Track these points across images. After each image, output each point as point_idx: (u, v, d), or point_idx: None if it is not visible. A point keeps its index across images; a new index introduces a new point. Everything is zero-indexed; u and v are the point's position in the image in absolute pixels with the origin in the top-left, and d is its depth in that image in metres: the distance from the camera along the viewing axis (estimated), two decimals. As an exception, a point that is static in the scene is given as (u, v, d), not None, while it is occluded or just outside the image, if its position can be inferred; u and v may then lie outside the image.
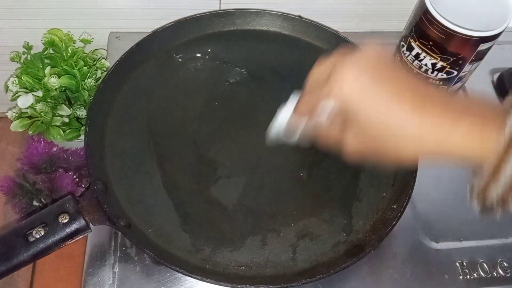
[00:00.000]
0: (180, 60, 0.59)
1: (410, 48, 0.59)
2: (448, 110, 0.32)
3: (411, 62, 0.60)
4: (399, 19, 0.66)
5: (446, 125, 0.31)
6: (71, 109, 0.62)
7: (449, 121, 0.31)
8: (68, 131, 0.62)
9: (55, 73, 0.60)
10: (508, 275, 0.51)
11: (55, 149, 0.60)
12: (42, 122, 0.60)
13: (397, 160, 0.34)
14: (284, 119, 0.43)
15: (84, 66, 0.61)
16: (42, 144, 0.59)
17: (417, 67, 0.59)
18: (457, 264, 0.52)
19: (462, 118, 0.31)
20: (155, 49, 0.59)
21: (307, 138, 0.42)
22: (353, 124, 0.35)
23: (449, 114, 0.31)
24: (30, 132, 0.60)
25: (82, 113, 0.62)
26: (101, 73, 0.63)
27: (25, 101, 0.58)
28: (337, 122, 0.36)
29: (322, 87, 0.36)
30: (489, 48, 0.55)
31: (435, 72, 0.58)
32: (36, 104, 0.59)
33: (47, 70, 0.59)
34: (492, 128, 0.30)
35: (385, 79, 0.33)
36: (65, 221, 0.42)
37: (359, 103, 0.33)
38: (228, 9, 0.62)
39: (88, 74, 0.61)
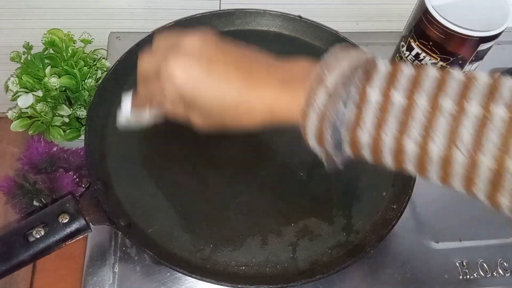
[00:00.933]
0: (180, 60, 0.59)
1: (410, 48, 0.59)
2: (272, 79, 0.35)
3: (411, 62, 0.60)
4: (399, 19, 0.66)
5: (270, 92, 0.35)
6: (71, 109, 0.62)
7: (271, 88, 0.35)
8: (68, 131, 0.62)
9: (55, 73, 0.60)
10: (508, 275, 0.51)
11: (55, 149, 0.60)
12: (42, 122, 0.60)
13: (242, 128, 0.38)
14: (128, 108, 0.45)
15: (84, 66, 0.61)
16: (42, 144, 0.59)
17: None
18: (457, 264, 0.52)
19: (279, 86, 0.35)
20: (155, 49, 0.58)
21: (157, 118, 0.44)
22: (194, 107, 0.37)
23: (272, 82, 0.35)
24: (30, 132, 0.60)
25: (82, 113, 0.62)
26: (101, 73, 0.63)
27: (25, 101, 0.58)
28: (179, 106, 0.38)
29: (154, 81, 0.38)
30: (489, 48, 0.55)
31: (435, 72, 0.58)
32: (36, 104, 0.59)
33: (47, 70, 0.59)
34: (299, 91, 0.33)
35: (211, 62, 0.36)
36: (65, 221, 0.42)
37: (192, 91, 0.36)
38: (228, 9, 0.62)
39: (88, 74, 0.61)
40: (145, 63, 0.40)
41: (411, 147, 0.30)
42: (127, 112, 0.45)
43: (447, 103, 0.29)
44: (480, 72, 0.30)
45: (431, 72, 0.31)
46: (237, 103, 0.36)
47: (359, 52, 0.34)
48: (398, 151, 0.31)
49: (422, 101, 0.29)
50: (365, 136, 0.31)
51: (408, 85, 0.30)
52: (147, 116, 0.44)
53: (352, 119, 0.31)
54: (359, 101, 0.31)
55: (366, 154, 0.33)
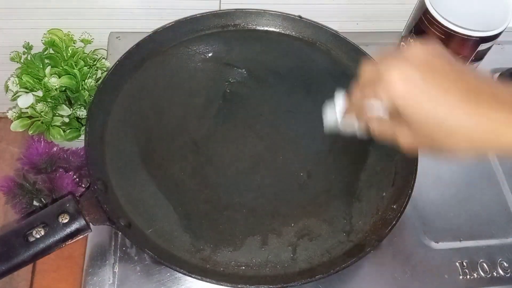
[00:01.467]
0: (180, 60, 0.59)
1: (410, 48, 0.59)
2: (500, 102, 0.31)
3: (411, 62, 0.60)
4: (399, 19, 0.66)
5: (498, 118, 0.31)
6: (71, 109, 0.62)
7: (501, 113, 0.31)
8: (68, 131, 0.62)
9: (55, 73, 0.60)
10: (508, 275, 0.51)
11: (55, 149, 0.60)
12: (42, 122, 0.60)
13: (451, 154, 0.34)
14: (339, 113, 0.44)
15: (85, 66, 0.61)
16: (42, 144, 0.59)
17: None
18: (457, 264, 0.52)
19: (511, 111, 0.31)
20: (155, 49, 0.59)
21: (363, 131, 0.42)
22: (406, 120, 0.35)
23: (501, 106, 0.31)
24: (30, 132, 0.60)
25: (82, 113, 0.62)
26: (101, 73, 0.63)
27: (25, 101, 0.58)
28: (389, 118, 0.37)
29: (372, 87, 0.36)
30: (489, 48, 0.55)
31: (435, 72, 0.58)
32: (36, 104, 0.59)
33: (47, 70, 0.59)
34: None
35: (433, 75, 0.33)
36: (65, 221, 0.42)
37: (409, 101, 0.33)
38: (228, 9, 0.62)
39: (88, 74, 0.61)
40: (368, 68, 0.38)
41: None
42: (338, 113, 0.44)
43: None
44: None
45: None
46: (458, 124, 0.32)
47: None
48: None
49: None
50: None
51: None
52: (356, 125, 0.42)
53: None
54: None
55: None
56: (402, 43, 0.61)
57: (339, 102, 0.44)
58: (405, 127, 0.36)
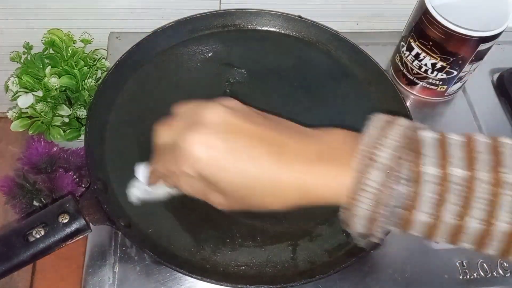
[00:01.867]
0: (180, 60, 0.59)
1: (410, 48, 0.59)
2: (304, 153, 0.32)
3: (411, 62, 0.60)
4: (399, 19, 0.66)
5: (302, 170, 0.31)
6: (71, 109, 0.62)
7: (304, 166, 0.31)
8: (68, 131, 0.62)
9: (55, 73, 0.60)
10: (508, 275, 0.51)
11: (55, 149, 0.60)
12: (42, 122, 0.60)
13: (269, 209, 0.33)
14: (142, 181, 0.44)
15: (84, 66, 0.61)
16: (42, 144, 0.59)
17: (417, 67, 0.59)
18: (457, 264, 0.52)
19: (316, 163, 0.31)
20: (155, 49, 0.58)
21: (172, 193, 0.43)
22: (215, 187, 0.34)
23: (303, 159, 0.31)
24: (30, 132, 0.60)
25: (82, 113, 0.62)
26: (101, 73, 0.63)
27: (25, 101, 0.58)
28: (198, 185, 0.35)
29: (171, 157, 0.34)
30: (489, 48, 0.55)
31: (435, 72, 0.58)
32: (36, 104, 0.59)
33: (47, 70, 0.59)
34: (341, 169, 0.30)
35: (236, 137, 0.32)
36: (65, 221, 0.42)
37: (214, 172, 0.32)
38: (228, 9, 0.62)
39: (88, 74, 0.61)
40: (162, 136, 0.36)
41: (474, 225, 0.28)
42: (141, 186, 0.44)
43: (509, 177, 0.27)
44: None
45: (482, 140, 0.29)
46: (266, 184, 0.32)
47: (399, 120, 0.31)
48: (458, 230, 0.29)
49: (482, 176, 0.27)
50: (421, 216, 0.28)
51: (463, 157, 0.28)
52: (162, 190, 0.42)
53: (408, 199, 0.28)
54: (413, 179, 0.28)
55: (417, 231, 0.30)
56: (402, 43, 0.61)
57: (141, 173, 0.43)
58: (215, 193, 0.34)
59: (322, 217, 0.50)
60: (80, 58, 0.62)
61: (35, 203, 0.58)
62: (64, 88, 0.61)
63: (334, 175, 0.30)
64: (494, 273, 0.51)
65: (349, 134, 0.33)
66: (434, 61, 0.57)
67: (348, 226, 0.32)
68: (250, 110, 0.35)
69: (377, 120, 0.31)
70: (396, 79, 0.64)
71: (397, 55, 0.62)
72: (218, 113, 0.33)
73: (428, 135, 0.30)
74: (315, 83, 0.59)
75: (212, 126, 0.32)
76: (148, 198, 0.45)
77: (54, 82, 0.58)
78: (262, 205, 0.33)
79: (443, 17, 0.53)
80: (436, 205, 0.28)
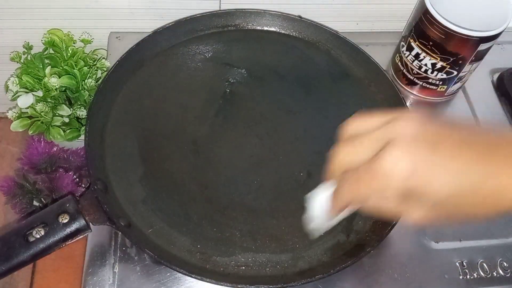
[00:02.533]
0: (180, 60, 0.59)
1: (410, 48, 0.59)
2: (506, 155, 0.29)
3: (411, 62, 0.60)
4: (399, 19, 0.66)
5: None
6: (71, 109, 0.62)
7: None
8: (68, 131, 0.62)
9: (55, 73, 0.60)
10: (508, 275, 0.51)
11: (55, 149, 0.60)
12: (42, 122, 0.60)
13: (475, 219, 0.32)
14: (322, 210, 0.38)
15: (85, 66, 0.61)
16: (42, 144, 0.59)
17: (417, 67, 0.59)
18: (457, 264, 0.52)
19: None
20: (155, 49, 0.59)
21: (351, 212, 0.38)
22: (418, 199, 0.31)
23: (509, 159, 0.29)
24: (30, 132, 0.60)
25: (82, 113, 0.62)
26: (101, 73, 0.63)
27: (25, 101, 0.58)
28: (394, 200, 0.32)
29: (364, 180, 0.31)
30: (489, 48, 0.55)
31: (435, 72, 0.58)
32: (36, 104, 0.59)
33: (47, 70, 0.59)
34: None
35: (438, 143, 0.30)
36: (65, 221, 0.42)
37: (422, 181, 0.30)
38: (228, 9, 0.62)
39: (88, 74, 0.61)
40: (345, 157, 0.33)
41: None
42: (321, 214, 0.38)
43: None
44: None
45: None
46: (479, 190, 0.29)
47: None
48: None
49: None
50: None
51: None
52: (342, 215, 0.38)
53: None
54: None
55: None
56: (402, 43, 0.61)
57: (319, 205, 0.38)
58: (414, 205, 0.32)
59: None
60: (80, 58, 0.62)
61: (35, 203, 0.58)
62: (64, 88, 0.61)
63: None
64: (494, 273, 0.51)
65: None
66: (434, 61, 0.57)
67: None
68: (433, 118, 0.32)
69: None
70: (396, 79, 0.64)
71: (397, 55, 0.62)
72: (414, 125, 0.31)
73: None
74: (315, 83, 0.59)
75: (412, 139, 0.30)
76: (325, 227, 0.41)
77: (54, 82, 0.58)
78: (471, 214, 0.31)
79: (443, 17, 0.53)
80: None
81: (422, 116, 0.31)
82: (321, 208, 0.38)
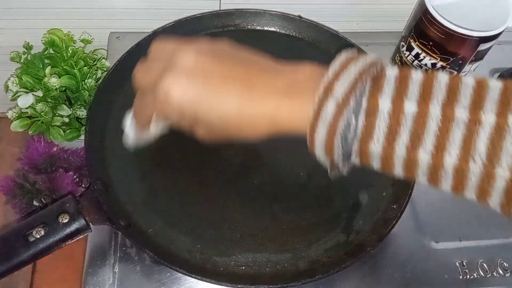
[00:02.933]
0: (180, 60, 0.59)
1: (410, 48, 0.59)
2: (273, 86, 0.34)
3: (411, 62, 0.60)
4: (399, 19, 0.66)
5: (271, 105, 0.34)
6: (71, 109, 0.62)
7: (272, 101, 0.34)
8: (68, 131, 0.62)
9: (55, 73, 0.60)
10: (508, 275, 0.51)
11: (55, 149, 0.60)
12: (42, 122, 0.60)
13: (246, 139, 0.37)
14: (131, 126, 0.44)
15: (85, 66, 0.61)
16: (42, 144, 0.59)
17: (417, 67, 0.59)
18: (457, 264, 0.52)
19: (284, 97, 0.34)
20: (155, 49, 0.58)
21: (163, 130, 0.44)
22: (195, 122, 0.37)
23: (272, 94, 0.34)
24: (30, 132, 0.60)
25: (82, 113, 0.62)
26: (101, 73, 0.63)
27: (25, 101, 0.58)
28: (181, 120, 0.38)
29: (151, 96, 0.36)
30: (489, 48, 0.55)
31: (435, 72, 0.58)
32: (36, 104, 0.59)
33: (47, 70, 0.59)
34: (305, 102, 0.32)
35: (208, 77, 0.35)
36: (65, 221, 0.42)
37: (191, 109, 0.35)
38: (228, 9, 0.62)
39: (88, 74, 0.61)
40: (141, 78, 0.39)
41: (424, 158, 0.29)
42: (131, 130, 0.45)
43: (461, 113, 0.28)
44: (493, 79, 0.30)
45: (442, 78, 0.30)
46: (239, 116, 0.35)
47: (366, 56, 0.33)
48: (411, 162, 0.30)
49: (435, 111, 0.29)
50: (376, 148, 0.30)
51: (419, 93, 0.29)
52: (153, 130, 0.43)
53: (363, 130, 0.30)
54: (369, 111, 0.30)
55: (375, 164, 0.32)
56: (402, 43, 0.61)
57: (129, 119, 0.44)
58: (196, 126, 0.38)
59: (322, 217, 0.50)
60: (80, 58, 0.62)
61: (35, 203, 0.58)
62: (64, 88, 0.61)
63: (299, 108, 0.33)
64: (494, 273, 0.52)
65: (317, 69, 0.35)
66: (434, 61, 0.57)
67: (313, 155, 0.34)
68: (221, 50, 0.37)
69: (344, 56, 0.34)
70: (396, 79, 0.64)
71: (397, 55, 0.62)
72: (190, 57, 0.35)
73: (392, 72, 0.31)
74: (315, 83, 0.59)
75: (186, 68, 0.35)
76: (141, 142, 0.46)
77: (54, 82, 0.58)
78: (238, 136, 0.36)
79: (443, 17, 0.53)
80: (388, 137, 0.30)
81: (202, 47, 0.36)
82: (130, 124, 0.44)
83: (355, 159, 0.33)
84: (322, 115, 0.31)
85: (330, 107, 0.30)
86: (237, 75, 0.35)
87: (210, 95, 0.35)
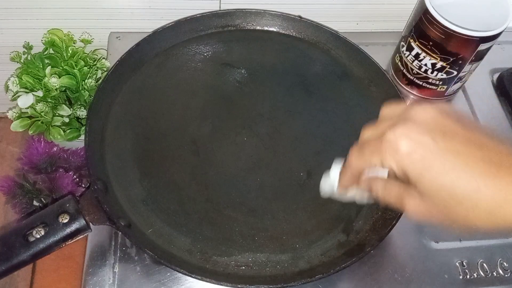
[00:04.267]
0: (180, 60, 0.59)
1: (410, 48, 0.59)
2: None
3: (411, 62, 0.60)
4: (399, 19, 0.66)
5: None
6: (71, 109, 0.62)
7: None
8: (68, 131, 0.62)
9: (55, 73, 0.60)
10: (508, 275, 0.51)
11: (55, 149, 0.60)
12: (42, 122, 0.60)
13: (468, 227, 0.31)
14: (336, 177, 0.40)
15: (85, 66, 0.61)
16: (42, 144, 0.59)
17: (417, 67, 0.59)
18: (457, 264, 0.52)
19: None
20: (155, 49, 0.59)
21: (364, 195, 0.40)
22: (414, 188, 0.31)
23: None
24: (30, 132, 0.60)
25: (82, 113, 0.62)
26: (102, 73, 0.63)
27: (26, 101, 0.58)
28: (394, 186, 0.33)
29: (375, 152, 0.32)
30: (489, 48, 0.55)
31: (435, 72, 0.58)
32: (37, 104, 0.59)
33: (48, 70, 0.59)
34: None
35: (445, 138, 0.29)
36: (65, 221, 0.42)
37: (419, 169, 0.30)
38: (228, 9, 0.62)
39: (89, 74, 0.61)
40: (366, 133, 0.34)
41: None
42: (334, 182, 0.40)
43: None
44: None
45: None
46: (479, 198, 0.28)
47: None
48: None
49: None
50: None
51: None
52: (353, 193, 0.40)
53: None
54: None
55: None
56: (402, 43, 0.61)
57: (336, 170, 0.40)
58: (412, 194, 0.32)
59: (322, 217, 0.50)
60: (80, 58, 0.62)
61: (35, 203, 0.58)
62: (64, 88, 0.61)
63: None
64: (494, 273, 0.52)
65: None
66: (434, 61, 0.57)
67: None
68: (462, 114, 0.32)
69: None
70: (396, 79, 0.64)
71: (397, 55, 0.62)
72: (430, 113, 0.31)
73: None
74: (315, 83, 0.59)
75: (423, 123, 0.30)
76: (337, 196, 0.42)
77: (54, 82, 0.58)
78: (465, 219, 0.30)
79: (443, 17, 0.53)
80: None
81: (439, 108, 0.31)
82: (337, 173, 0.40)
83: None
84: None
85: None
86: (483, 146, 0.29)
87: (445, 157, 0.29)
